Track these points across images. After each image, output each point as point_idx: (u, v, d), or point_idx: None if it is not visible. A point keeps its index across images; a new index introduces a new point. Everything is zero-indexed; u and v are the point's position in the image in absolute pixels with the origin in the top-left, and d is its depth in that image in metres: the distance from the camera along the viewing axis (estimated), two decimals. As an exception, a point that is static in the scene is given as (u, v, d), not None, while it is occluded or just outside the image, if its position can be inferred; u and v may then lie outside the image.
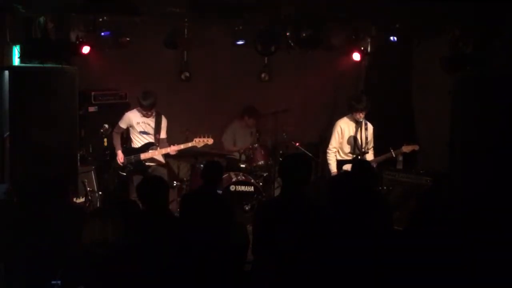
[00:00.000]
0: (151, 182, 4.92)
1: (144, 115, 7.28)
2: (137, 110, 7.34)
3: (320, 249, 3.97)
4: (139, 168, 7.34)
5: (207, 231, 4.78)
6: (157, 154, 7.34)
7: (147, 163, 7.36)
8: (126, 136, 7.74)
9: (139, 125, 7.33)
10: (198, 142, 7.31)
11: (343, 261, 3.93)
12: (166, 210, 4.76)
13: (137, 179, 7.37)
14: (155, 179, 5.03)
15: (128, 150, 7.41)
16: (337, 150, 7.32)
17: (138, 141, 7.37)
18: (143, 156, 7.32)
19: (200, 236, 4.64)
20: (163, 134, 7.40)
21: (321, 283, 3.93)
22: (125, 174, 7.44)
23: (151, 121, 7.34)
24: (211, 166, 5.80)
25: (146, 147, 7.33)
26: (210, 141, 7.38)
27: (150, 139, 7.35)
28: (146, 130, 7.35)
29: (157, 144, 7.34)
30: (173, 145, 7.34)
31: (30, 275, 4.08)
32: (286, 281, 3.99)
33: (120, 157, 7.34)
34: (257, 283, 4.27)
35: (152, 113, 7.29)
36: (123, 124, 7.40)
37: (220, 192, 6.40)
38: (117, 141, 7.42)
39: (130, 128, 7.42)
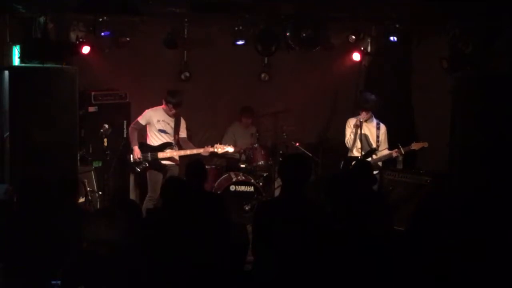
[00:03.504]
0: (178, 184, 4.93)
1: (169, 114, 7.33)
2: (162, 108, 7.39)
3: (320, 249, 3.97)
4: (155, 166, 7.39)
5: (203, 230, 4.76)
6: (175, 155, 7.42)
7: (163, 162, 7.40)
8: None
9: (159, 123, 7.40)
10: (218, 148, 7.40)
11: (343, 261, 3.93)
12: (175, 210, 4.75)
13: (151, 174, 7.39)
14: (183, 182, 5.05)
15: (145, 147, 7.44)
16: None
17: (155, 139, 7.43)
18: (160, 155, 7.37)
19: (198, 235, 4.63)
20: (183, 134, 7.52)
21: (321, 283, 3.93)
22: (139, 170, 7.48)
23: (171, 121, 7.43)
24: (192, 166, 5.80)
25: (164, 146, 7.38)
26: (232, 148, 7.49)
27: (168, 138, 7.43)
28: (165, 129, 7.42)
29: (175, 145, 7.41)
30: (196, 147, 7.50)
31: (30, 275, 4.08)
32: (286, 281, 3.99)
33: (137, 152, 7.37)
34: (257, 283, 4.27)
35: (177, 112, 7.35)
36: (142, 121, 7.46)
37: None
38: (133, 137, 7.47)
39: (148, 126, 7.47)
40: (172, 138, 7.46)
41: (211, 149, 7.43)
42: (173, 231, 4.47)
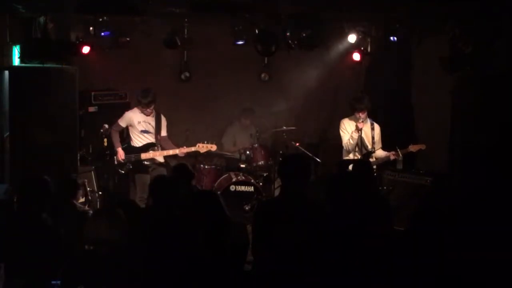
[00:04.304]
0: (166, 181, 4.91)
1: (144, 114, 7.28)
2: (138, 109, 7.33)
3: (319, 249, 3.97)
4: (139, 167, 7.34)
5: (196, 228, 4.75)
6: (158, 155, 7.35)
7: (146, 163, 7.36)
8: (126, 134, 7.73)
9: (140, 124, 7.32)
10: (201, 147, 7.31)
11: (343, 261, 3.92)
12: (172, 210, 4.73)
13: (138, 177, 7.37)
14: (169, 179, 5.03)
15: (128, 148, 7.40)
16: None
17: (138, 140, 7.36)
18: (143, 156, 7.32)
19: (192, 233, 4.62)
20: (163, 132, 7.42)
21: (321, 283, 3.93)
22: (123, 172, 7.43)
23: (152, 120, 7.34)
24: (178, 168, 5.79)
25: (147, 147, 7.33)
26: (213, 147, 7.38)
27: (151, 137, 7.35)
28: (147, 129, 7.35)
29: (158, 145, 7.35)
30: (178, 147, 7.37)
31: (30, 275, 4.07)
32: (286, 281, 3.99)
33: (121, 153, 7.32)
34: (257, 283, 4.27)
35: (152, 112, 7.29)
36: (123, 123, 7.39)
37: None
38: (116, 139, 7.41)
39: (130, 127, 7.41)
40: (155, 138, 7.40)
41: (185, 150, 7.33)
42: (165, 230, 4.47)
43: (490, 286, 3.99)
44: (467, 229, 4.91)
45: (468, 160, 6.69)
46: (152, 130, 7.36)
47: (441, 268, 3.75)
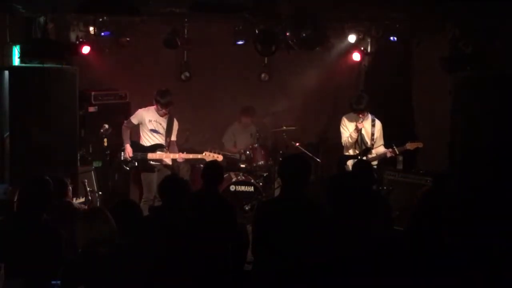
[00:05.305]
0: (177, 181, 4.91)
1: (159, 114, 7.28)
2: (154, 108, 7.32)
3: (319, 249, 3.97)
4: (144, 166, 7.34)
5: (209, 231, 4.76)
6: (164, 157, 7.34)
7: (152, 163, 7.36)
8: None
9: (150, 123, 7.32)
10: (208, 156, 7.28)
11: (342, 261, 3.93)
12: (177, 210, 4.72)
13: (144, 176, 7.37)
14: (181, 180, 5.02)
15: (136, 146, 7.41)
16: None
17: (147, 139, 7.37)
18: (150, 156, 7.32)
19: (203, 236, 4.62)
20: (173, 137, 7.43)
21: (321, 283, 3.93)
22: (128, 168, 7.44)
23: (163, 122, 7.34)
24: (211, 166, 5.76)
25: (155, 148, 7.33)
26: (219, 157, 7.31)
27: (160, 138, 7.35)
28: (157, 129, 7.34)
29: (167, 147, 7.34)
30: (182, 152, 7.38)
31: (30, 275, 4.07)
32: (286, 281, 3.99)
33: (129, 150, 7.32)
34: (257, 283, 4.27)
35: (167, 113, 7.29)
36: (134, 120, 7.39)
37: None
38: (126, 135, 7.40)
39: (141, 125, 7.41)
40: (164, 139, 7.40)
41: (191, 156, 7.34)
42: (172, 231, 4.47)
43: (490, 285, 4.00)
44: (467, 229, 4.92)
45: (468, 160, 6.69)
46: (162, 131, 7.35)
47: (441, 268, 3.75)
